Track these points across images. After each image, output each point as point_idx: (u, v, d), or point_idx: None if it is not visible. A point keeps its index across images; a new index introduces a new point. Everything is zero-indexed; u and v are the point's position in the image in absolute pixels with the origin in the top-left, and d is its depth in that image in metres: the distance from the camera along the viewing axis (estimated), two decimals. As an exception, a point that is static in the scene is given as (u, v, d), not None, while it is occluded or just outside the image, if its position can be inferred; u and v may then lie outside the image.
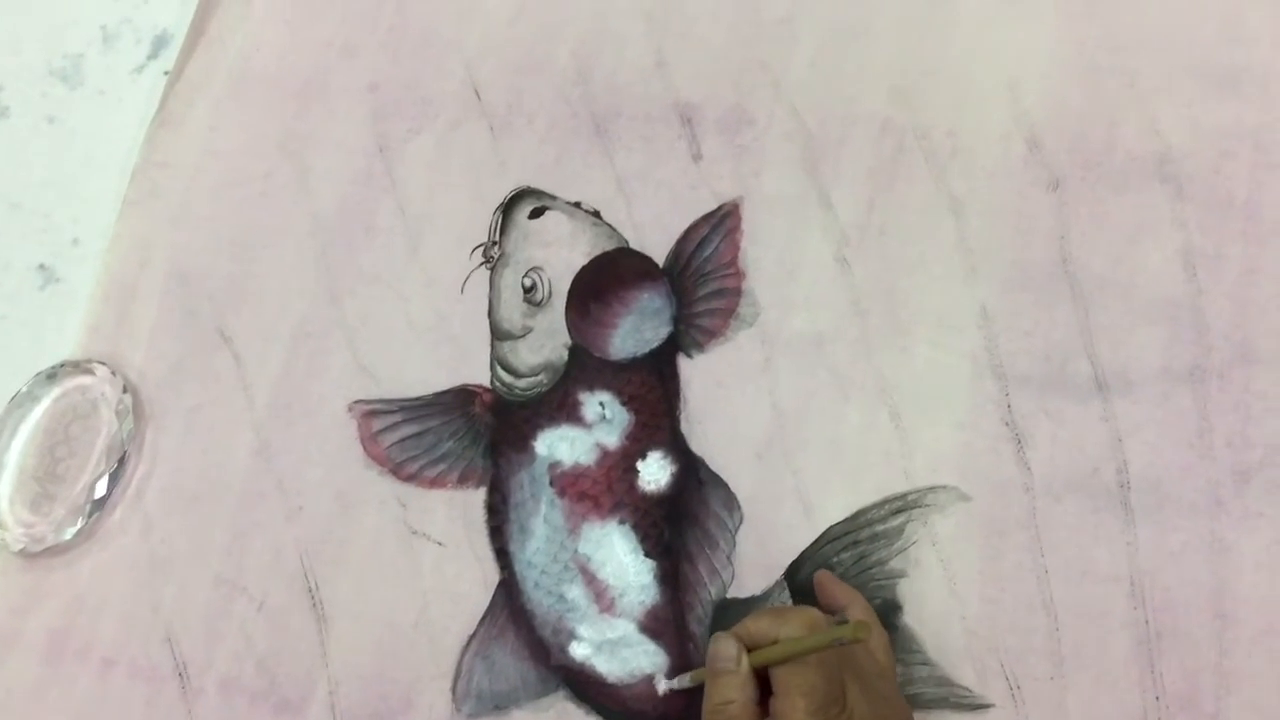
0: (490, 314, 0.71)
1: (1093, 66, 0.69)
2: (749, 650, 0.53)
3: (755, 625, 0.54)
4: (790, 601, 0.63)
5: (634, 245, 0.71)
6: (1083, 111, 0.69)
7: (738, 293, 0.69)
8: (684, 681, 0.62)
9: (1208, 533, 0.61)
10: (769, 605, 0.63)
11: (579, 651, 0.65)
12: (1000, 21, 0.71)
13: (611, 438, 0.67)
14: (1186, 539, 0.61)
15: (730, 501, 0.65)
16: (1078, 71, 0.70)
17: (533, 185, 0.73)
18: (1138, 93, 0.69)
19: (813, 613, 0.54)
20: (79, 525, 0.70)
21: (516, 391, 0.69)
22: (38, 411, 0.72)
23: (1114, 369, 0.64)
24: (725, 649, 0.54)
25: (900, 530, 0.63)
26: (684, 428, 0.67)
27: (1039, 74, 0.70)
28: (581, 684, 0.64)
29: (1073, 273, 0.66)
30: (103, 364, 0.73)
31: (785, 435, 0.66)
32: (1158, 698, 0.59)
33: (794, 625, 0.52)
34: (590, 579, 0.65)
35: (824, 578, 0.61)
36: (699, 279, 0.69)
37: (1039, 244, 0.67)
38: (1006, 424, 0.64)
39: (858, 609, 0.58)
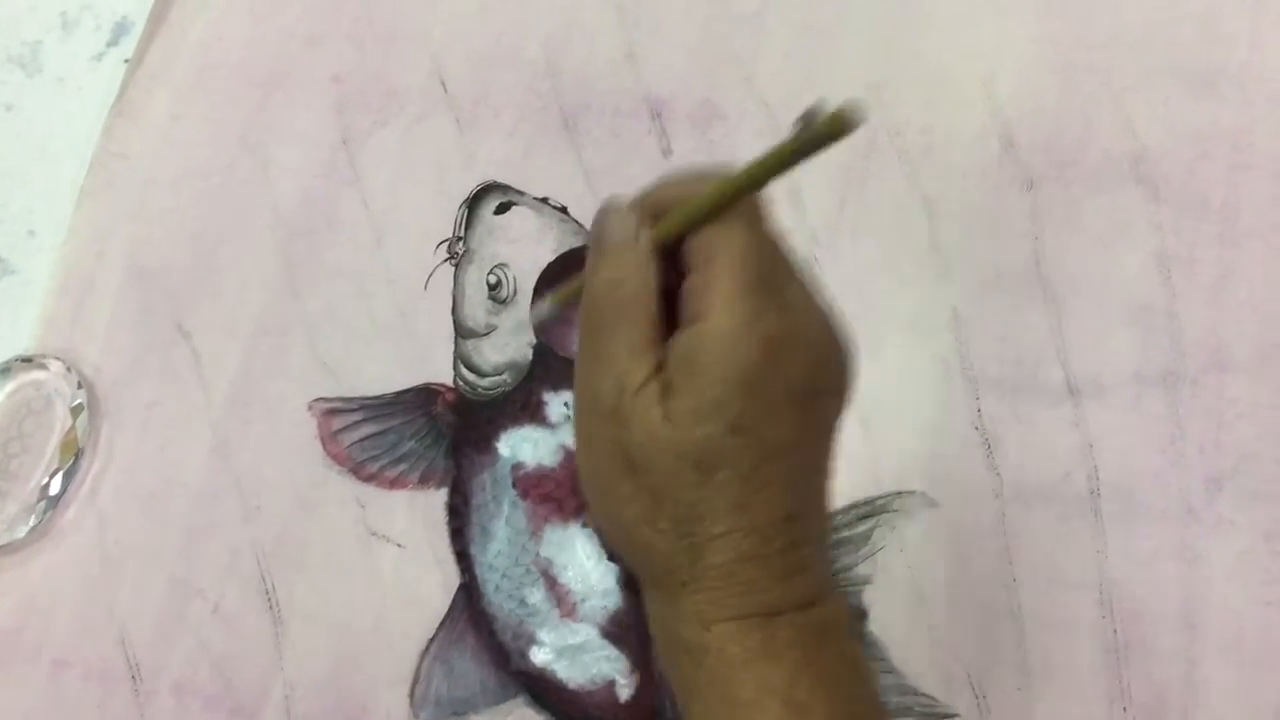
0: (454, 311, 0.70)
1: (1069, 64, 0.68)
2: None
3: (657, 194, 0.42)
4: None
5: (601, 242, 0.70)
6: (1058, 110, 0.68)
7: (706, 292, 0.68)
8: (547, 309, 0.52)
9: (1178, 541, 0.60)
10: None
11: (540, 657, 0.63)
12: (976, 18, 0.70)
13: (576, 439, 0.66)
14: (1157, 547, 0.60)
15: (695, 505, 0.64)
16: (1054, 69, 0.68)
17: (499, 180, 0.72)
18: (1113, 91, 0.68)
19: (727, 168, 0.40)
20: (31, 523, 0.68)
21: (479, 391, 0.68)
22: (-10, 407, 0.71)
23: (1086, 373, 0.63)
24: (620, 219, 0.41)
25: (867, 536, 0.62)
26: (649, 429, 0.66)
27: (1015, 71, 0.69)
28: (542, 690, 0.63)
29: (1046, 275, 0.65)
30: (58, 359, 0.71)
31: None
32: (1125, 709, 0.58)
33: (713, 181, 0.40)
34: (552, 583, 0.64)
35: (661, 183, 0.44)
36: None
37: (1012, 246, 0.66)
38: (976, 428, 0.63)
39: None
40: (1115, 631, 0.59)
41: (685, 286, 0.39)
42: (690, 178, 0.41)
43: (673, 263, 0.41)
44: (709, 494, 0.37)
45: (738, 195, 0.39)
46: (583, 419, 0.41)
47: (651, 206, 0.41)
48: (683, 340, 0.38)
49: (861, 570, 0.62)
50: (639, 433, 0.38)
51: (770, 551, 0.38)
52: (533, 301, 0.68)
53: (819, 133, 0.38)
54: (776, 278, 0.40)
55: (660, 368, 0.38)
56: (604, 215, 0.42)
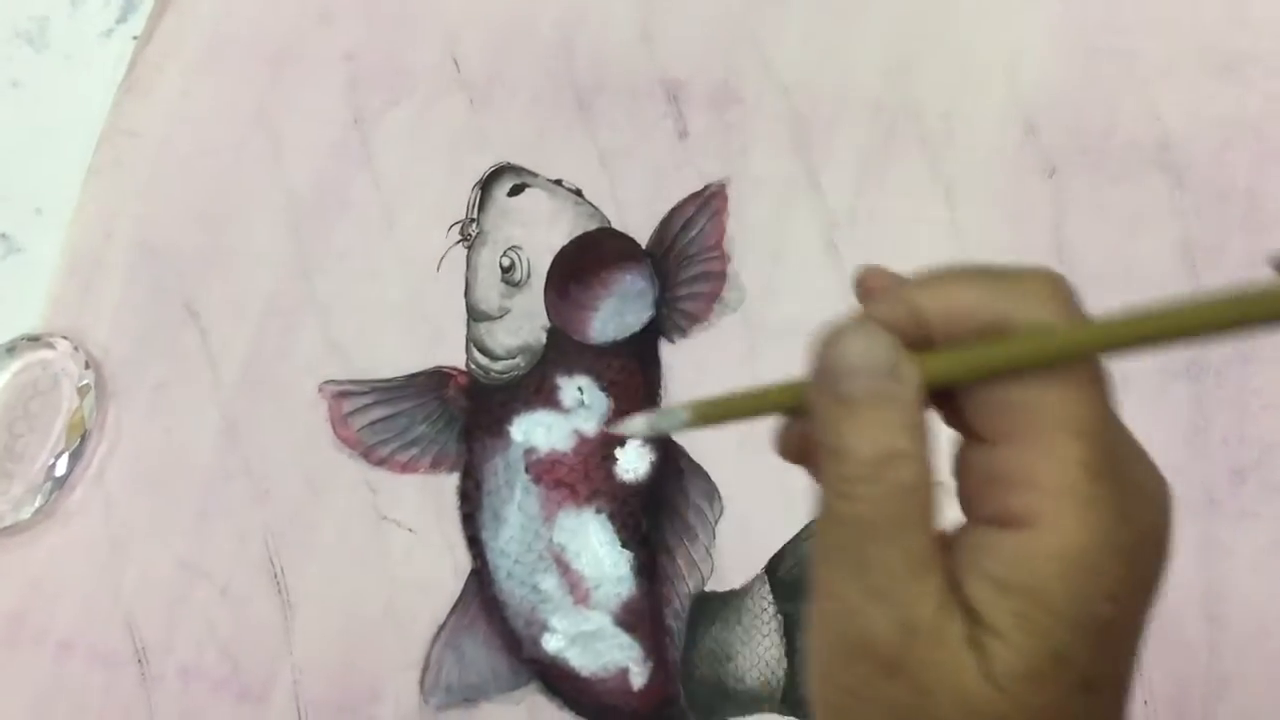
0: (467, 294, 0.69)
1: (1093, 48, 0.67)
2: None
3: (929, 299, 0.28)
4: (770, 596, 0.61)
5: (616, 225, 0.69)
6: (1081, 95, 0.67)
7: (722, 277, 0.67)
8: (664, 422, 0.34)
9: (1201, 533, 0.59)
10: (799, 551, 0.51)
11: (552, 644, 0.63)
12: (998, 1, 0.69)
13: (590, 424, 0.65)
14: (1179, 539, 0.59)
15: (711, 492, 0.63)
16: (1077, 53, 0.67)
17: (513, 161, 0.71)
18: (1138, 77, 0.67)
19: (1049, 274, 0.29)
20: (37, 504, 0.68)
21: (492, 374, 0.67)
22: (-4, 386, 0.70)
23: (1108, 364, 0.62)
24: (868, 348, 0.27)
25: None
26: (664, 415, 0.65)
27: (1038, 55, 0.68)
28: (554, 677, 0.62)
29: (1068, 263, 0.64)
30: (65, 338, 0.70)
31: (768, 424, 0.64)
32: (1146, 702, 0.57)
33: (1033, 299, 0.27)
34: (565, 569, 0.63)
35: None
36: (683, 261, 0.67)
37: (1034, 232, 0.65)
38: (996, 417, 0.62)
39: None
40: (1137, 624, 0.58)
41: (977, 462, 0.27)
42: (976, 284, 0.27)
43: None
44: None
45: (1100, 349, 0.27)
46: (837, 662, 0.27)
47: (912, 323, 0.27)
48: (1007, 555, 0.25)
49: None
50: (946, 700, 0.25)
51: None
52: (545, 295, 0.68)
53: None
54: (1122, 459, 0.28)
55: (948, 592, 0.26)
56: (837, 337, 0.28)
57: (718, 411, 0.34)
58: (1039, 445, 0.26)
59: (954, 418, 0.27)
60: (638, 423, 0.33)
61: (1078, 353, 0.27)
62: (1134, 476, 0.28)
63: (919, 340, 0.27)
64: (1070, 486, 0.25)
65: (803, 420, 0.30)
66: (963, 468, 0.28)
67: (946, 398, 0.27)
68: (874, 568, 0.26)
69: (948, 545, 0.26)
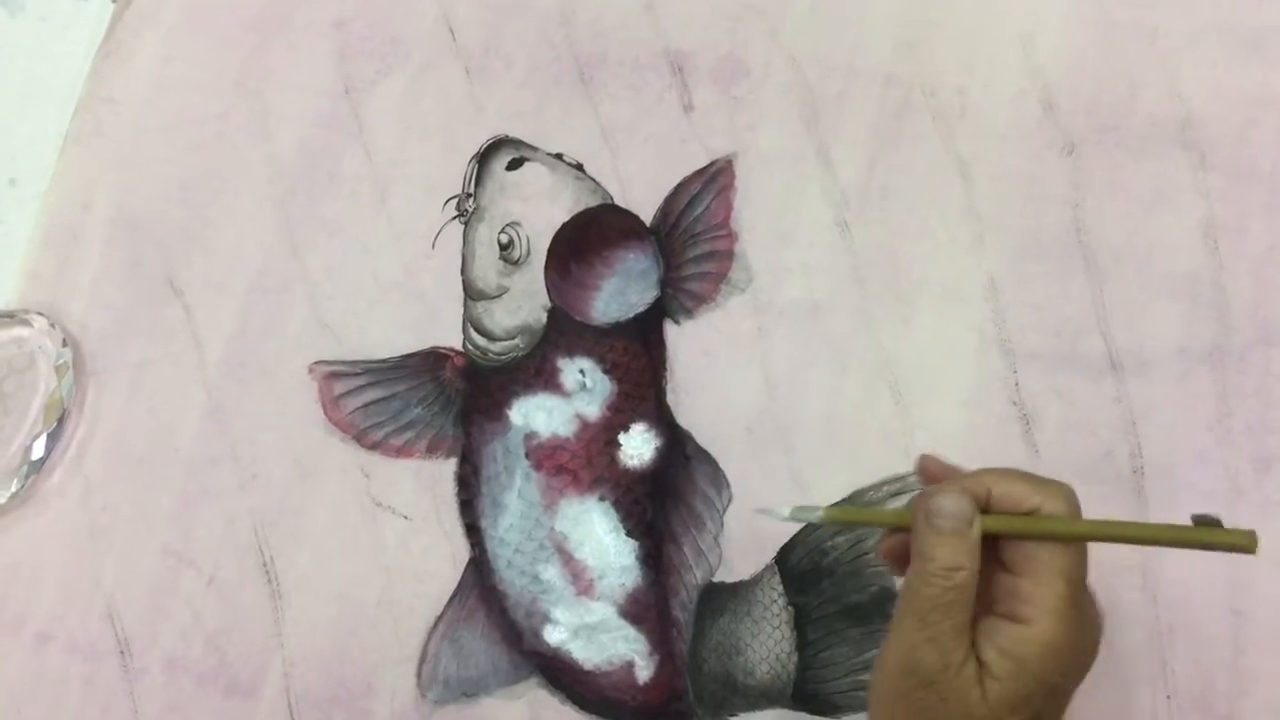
0: (463, 271, 0.66)
1: (1112, 23, 0.65)
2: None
3: (996, 484, 0.45)
4: (781, 588, 0.59)
5: (619, 202, 0.66)
6: (1100, 71, 0.65)
7: (730, 256, 0.64)
8: (802, 514, 0.49)
9: (1225, 523, 0.57)
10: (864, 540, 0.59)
11: (554, 636, 0.60)
12: (1014, -28, 0.67)
13: (592, 408, 0.63)
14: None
15: (719, 479, 0.61)
16: (1096, 28, 0.65)
17: (511, 134, 0.68)
18: (1158, 52, 0.65)
19: (1068, 487, 0.45)
20: (14, 488, 0.65)
21: (491, 356, 0.65)
22: (-31, 364, 0.67)
23: (1129, 347, 0.60)
24: (957, 505, 0.44)
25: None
26: (670, 399, 0.63)
27: (1055, 30, 0.65)
28: (556, 670, 0.60)
29: (1087, 243, 0.62)
30: (41, 314, 0.67)
31: (778, 410, 0.62)
32: (1169, 696, 0.56)
33: (1057, 499, 0.44)
34: (567, 559, 0.61)
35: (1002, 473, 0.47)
36: (688, 240, 0.65)
37: (1052, 212, 0.63)
38: (1014, 403, 0.60)
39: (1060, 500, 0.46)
40: (1158, 617, 0.57)
41: (1002, 581, 0.44)
42: (1029, 484, 0.45)
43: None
44: None
45: (1089, 539, 0.44)
46: (898, 676, 0.44)
47: (976, 493, 0.45)
48: (1011, 637, 0.43)
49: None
50: (956, 708, 0.43)
51: None
52: (546, 273, 0.65)
53: (1220, 541, 0.44)
54: (1083, 596, 0.45)
55: (971, 647, 0.43)
56: (938, 493, 0.45)
57: (845, 517, 0.55)
58: (1042, 580, 0.43)
59: (987, 550, 0.44)
60: (782, 511, 0.49)
61: (1075, 537, 0.44)
62: (1087, 609, 0.45)
63: (982, 504, 0.45)
64: (1055, 607, 0.43)
65: (899, 534, 0.48)
66: (988, 584, 0.44)
67: (989, 539, 0.44)
68: (933, 625, 0.43)
69: (974, 623, 0.44)
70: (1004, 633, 0.43)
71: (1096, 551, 0.57)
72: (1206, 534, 0.44)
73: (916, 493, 0.49)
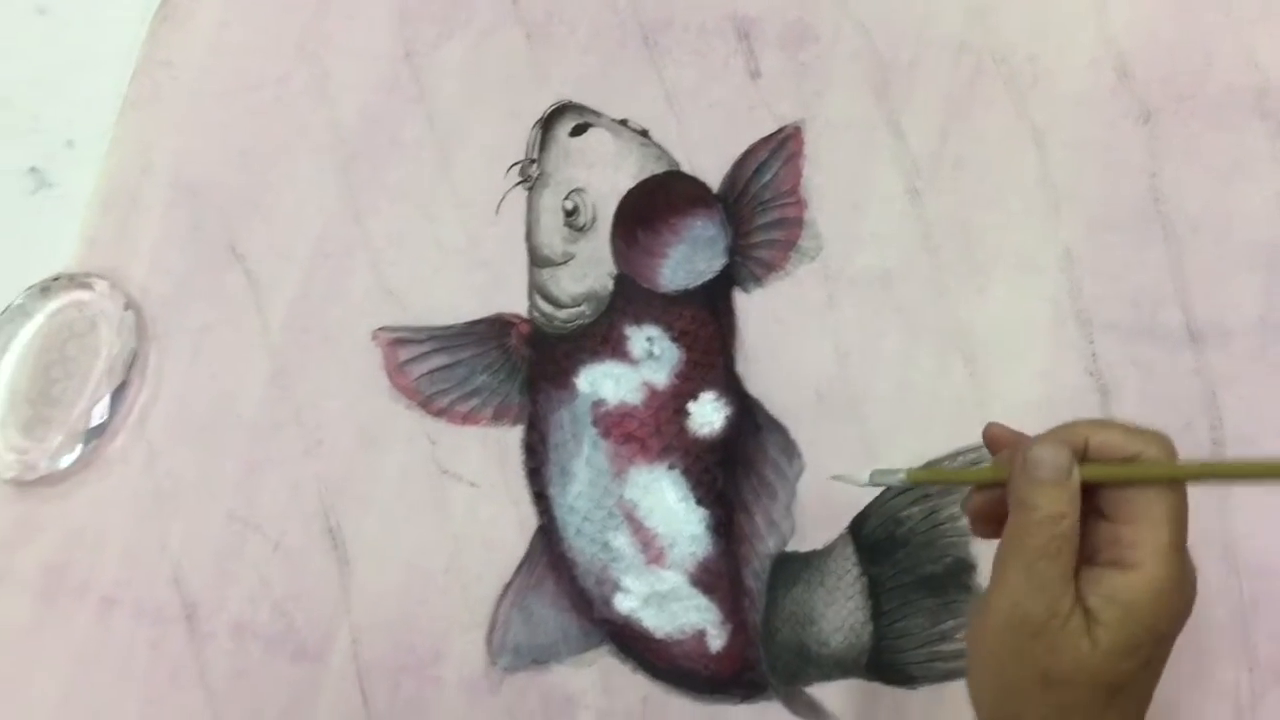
0: (528, 238, 0.66)
1: (1187, -10, 0.64)
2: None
3: (1094, 434, 0.45)
4: (855, 558, 0.59)
5: (685, 168, 0.66)
6: (1175, 39, 0.64)
7: (799, 223, 0.64)
8: (882, 478, 0.49)
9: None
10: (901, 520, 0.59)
11: (624, 604, 0.60)
12: (1088, -62, 0.66)
13: (660, 376, 0.62)
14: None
15: (790, 448, 0.61)
16: (1172, -5, 0.64)
17: (574, 100, 0.68)
18: (1234, 21, 0.64)
19: (1164, 435, 0.45)
20: (76, 453, 0.64)
21: (557, 323, 0.64)
22: (30, 328, 0.67)
23: (1208, 318, 0.60)
24: (1055, 454, 0.44)
25: (975, 484, 0.59)
26: (740, 368, 0.62)
27: (1129, -3, 0.65)
28: (627, 639, 0.60)
29: (1164, 213, 0.61)
30: (102, 278, 0.67)
31: (850, 379, 0.61)
32: (1251, 670, 0.55)
33: (1154, 445, 0.44)
34: (637, 527, 0.61)
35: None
36: (757, 207, 0.64)
37: (1128, 181, 0.62)
38: (1091, 374, 0.60)
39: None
40: (1241, 589, 0.56)
41: (1103, 529, 0.44)
42: (1127, 434, 0.44)
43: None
44: (1110, 712, 0.43)
45: (1191, 479, 0.44)
46: (1004, 630, 0.44)
47: (1075, 445, 0.44)
48: (1117, 583, 0.42)
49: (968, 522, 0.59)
50: (1067, 656, 0.42)
51: None
52: (612, 240, 0.65)
53: None
54: (1185, 541, 0.44)
55: (1076, 597, 0.43)
56: (1037, 444, 0.45)
57: (932, 477, 0.56)
58: (1145, 525, 0.43)
59: (1088, 501, 0.44)
60: (861, 475, 0.49)
61: (1175, 478, 0.43)
62: (1188, 556, 0.44)
63: (1080, 456, 0.44)
64: (1160, 550, 0.42)
65: (986, 493, 0.47)
66: (1088, 535, 0.44)
67: (1088, 490, 0.44)
68: (1039, 574, 0.43)
69: (1076, 575, 0.43)
70: (1110, 580, 0.42)
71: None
72: None
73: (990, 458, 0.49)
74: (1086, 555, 0.44)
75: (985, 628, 0.44)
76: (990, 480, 0.47)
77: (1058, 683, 0.43)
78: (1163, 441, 0.44)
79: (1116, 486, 0.44)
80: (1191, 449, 0.58)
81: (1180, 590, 0.43)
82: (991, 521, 0.47)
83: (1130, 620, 0.42)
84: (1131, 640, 0.42)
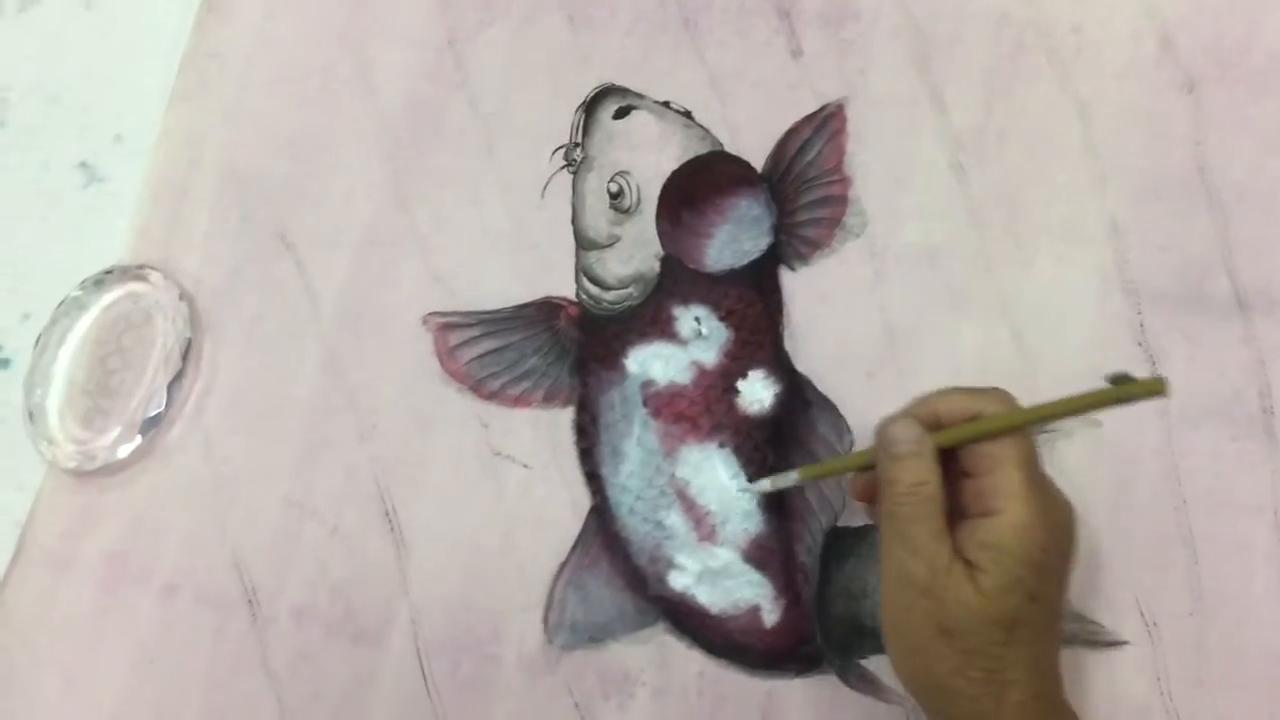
0: (574, 221, 0.66)
1: (1230, -41, 0.64)
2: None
3: (940, 404, 0.50)
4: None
5: (728, 149, 0.66)
6: (1218, 8, 0.64)
7: (844, 201, 0.64)
8: (781, 481, 0.55)
9: None
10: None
11: (679, 581, 0.61)
12: (1129, -92, 0.66)
13: (709, 355, 0.63)
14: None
15: (840, 424, 0.61)
16: (1214, -36, 0.64)
17: (617, 83, 0.68)
18: (1278, -12, 0.64)
19: (1002, 390, 0.50)
20: (135, 442, 0.65)
21: (605, 305, 0.65)
22: (86, 320, 0.68)
23: (1256, 286, 0.60)
24: (905, 430, 0.49)
25: (1026, 457, 0.59)
26: (788, 345, 0.63)
27: (1172, -34, 0.65)
28: (682, 615, 0.61)
29: (1210, 182, 0.61)
30: (156, 270, 0.68)
31: (898, 354, 0.62)
32: (1303, 636, 0.56)
33: (993, 402, 0.49)
34: (689, 505, 0.62)
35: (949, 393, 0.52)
36: (801, 185, 0.65)
37: (1173, 151, 0.62)
38: (1139, 344, 0.60)
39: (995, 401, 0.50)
40: (1293, 557, 0.56)
41: (968, 486, 0.49)
42: (968, 396, 0.50)
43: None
44: (1011, 649, 0.46)
45: (1027, 424, 0.48)
46: (895, 594, 0.48)
47: (926, 416, 0.50)
48: (985, 529, 0.47)
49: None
50: (954, 605, 0.46)
51: (1052, 687, 0.49)
52: (657, 222, 0.65)
53: (1133, 392, 0.47)
54: (1042, 479, 0.49)
55: (954, 552, 0.47)
56: (889, 423, 0.50)
57: (817, 471, 0.56)
58: (1000, 473, 0.47)
59: (950, 464, 0.49)
60: (763, 483, 0.56)
61: (1011, 427, 0.48)
62: (1049, 491, 0.49)
63: (934, 425, 0.49)
64: (1017, 492, 0.47)
65: (867, 473, 0.53)
66: (955, 490, 0.49)
67: (949, 453, 0.49)
68: (912, 539, 0.48)
69: (952, 529, 0.48)
70: (980, 528, 0.47)
71: (1230, 493, 0.57)
72: (1121, 390, 0.47)
73: None
74: (960, 512, 0.48)
75: (884, 599, 0.49)
76: (866, 464, 0.52)
77: (954, 631, 0.46)
78: (1002, 396, 0.49)
79: (968, 444, 0.48)
80: (1242, 417, 0.58)
81: (1044, 524, 0.47)
82: (874, 499, 0.52)
83: (1004, 558, 0.46)
84: (1009, 577, 0.46)
